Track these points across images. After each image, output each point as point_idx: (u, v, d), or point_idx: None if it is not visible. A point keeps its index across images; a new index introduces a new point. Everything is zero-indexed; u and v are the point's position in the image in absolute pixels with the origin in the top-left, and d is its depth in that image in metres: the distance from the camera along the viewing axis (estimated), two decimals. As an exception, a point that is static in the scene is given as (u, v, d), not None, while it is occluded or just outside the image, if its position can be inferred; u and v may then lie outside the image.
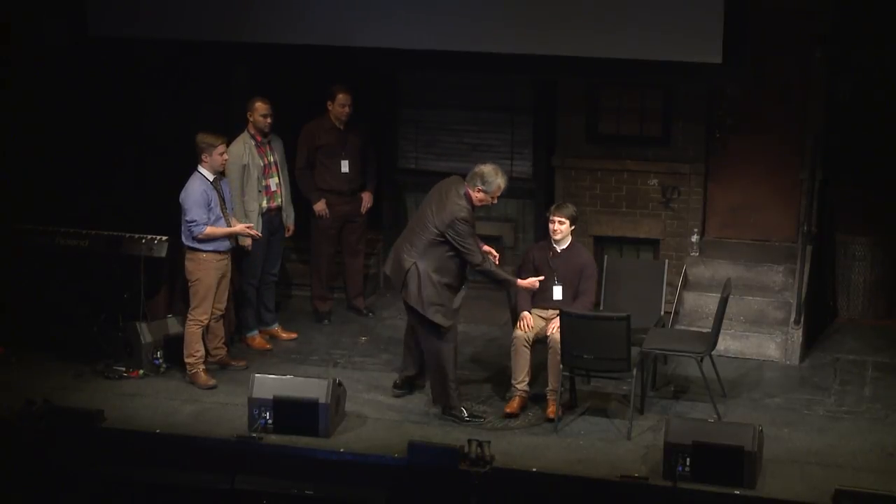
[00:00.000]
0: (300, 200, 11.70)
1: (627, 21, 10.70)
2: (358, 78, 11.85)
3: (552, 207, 10.29)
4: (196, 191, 10.40)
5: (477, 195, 9.78)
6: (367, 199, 11.90)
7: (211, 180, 10.47)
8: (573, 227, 10.18)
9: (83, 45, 11.95)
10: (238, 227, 10.61)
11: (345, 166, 11.66)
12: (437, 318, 9.75)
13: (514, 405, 10.01)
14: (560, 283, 10.12)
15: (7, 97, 12.03)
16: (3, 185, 11.68)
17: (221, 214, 10.52)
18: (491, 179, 9.75)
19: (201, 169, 10.46)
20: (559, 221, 10.11)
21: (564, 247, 10.16)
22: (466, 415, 9.93)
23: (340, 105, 11.49)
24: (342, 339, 11.65)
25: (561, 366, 9.79)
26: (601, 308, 10.65)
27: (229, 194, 10.72)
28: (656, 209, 11.95)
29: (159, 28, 11.65)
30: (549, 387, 9.97)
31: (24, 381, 10.51)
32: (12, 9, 11.97)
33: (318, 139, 11.59)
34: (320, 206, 11.67)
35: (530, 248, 10.56)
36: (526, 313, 10.02)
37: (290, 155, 11.55)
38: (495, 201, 9.94)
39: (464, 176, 9.96)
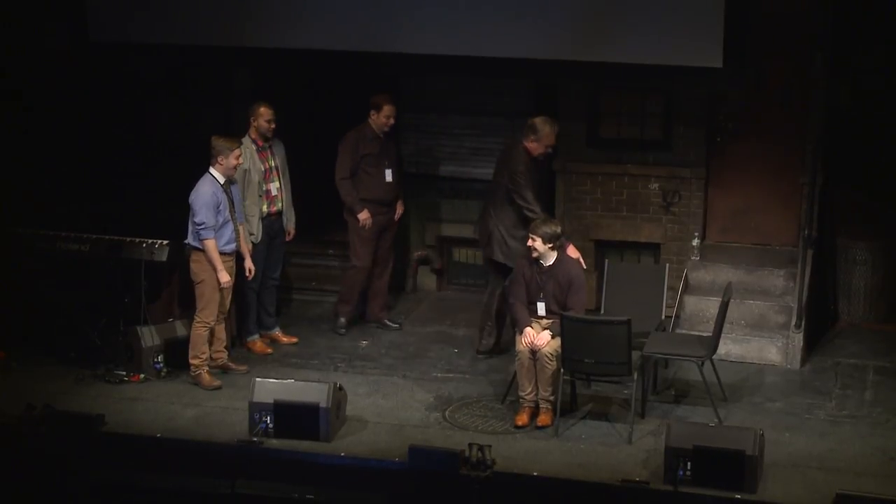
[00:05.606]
0: (304, 205, 11.67)
1: (628, 25, 10.69)
2: (359, 82, 11.84)
3: (535, 222, 10.07)
4: (206, 193, 10.40)
5: (531, 146, 10.71)
6: (399, 208, 11.85)
7: (222, 183, 10.48)
8: (550, 245, 9.90)
9: (84, 50, 11.95)
10: (224, 278, 10.48)
11: (389, 175, 11.59)
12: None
13: (524, 417, 9.96)
14: (545, 299, 10.03)
15: (7, 101, 12.03)
16: (4, 190, 11.68)
17: (230, 218, 10.52)
18: (540, 128, 10.67)
19: (213, 171, 10.46)
20: (532, 238, 9.93)
21: (550, 263, 9.99)
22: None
23: (386, 116, 11.41)
24: (343, 343, 11.65)
25: (561, 372, 9.77)
26: (602, 312, 10.65)
27: (239, 198, 10.73)
28: (657, 213, 11.94)
29: (160, 32, 11.64)
30: (540, 395, 9.94)
31: (25, 386, 10.50)
32: (13, 13, 11.98)
33: (362, 148, 11.47)
34: (364, 216, 11.54)
35: (520, 260, 10.25)
36: (528, 328, 9.95)
37: (293, 159, 11.54)
38: (550, 149, 10.87)
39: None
